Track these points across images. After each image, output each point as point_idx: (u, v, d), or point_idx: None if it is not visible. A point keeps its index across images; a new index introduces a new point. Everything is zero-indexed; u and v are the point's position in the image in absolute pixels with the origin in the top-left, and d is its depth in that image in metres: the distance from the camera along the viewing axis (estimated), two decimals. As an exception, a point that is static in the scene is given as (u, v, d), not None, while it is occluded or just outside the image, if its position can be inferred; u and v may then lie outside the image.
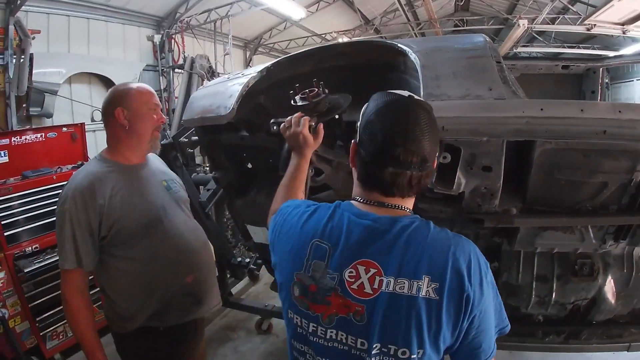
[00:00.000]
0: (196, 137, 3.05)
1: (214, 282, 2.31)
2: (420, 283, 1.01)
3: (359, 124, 1.16)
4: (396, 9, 14.36)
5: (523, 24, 9.84)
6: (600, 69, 3.68)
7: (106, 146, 1.99)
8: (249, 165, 2.70)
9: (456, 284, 1.02)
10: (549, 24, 11.49)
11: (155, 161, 2.16)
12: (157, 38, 9.63)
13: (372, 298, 1.03)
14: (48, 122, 7.10)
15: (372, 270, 1.04)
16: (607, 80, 3.99)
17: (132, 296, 1.94)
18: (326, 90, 1.78)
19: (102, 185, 1.82)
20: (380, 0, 14.83)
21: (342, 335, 1.07)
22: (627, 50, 11.13)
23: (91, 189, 1.79)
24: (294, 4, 9.95)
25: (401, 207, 1.13)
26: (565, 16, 11.32)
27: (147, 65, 9.48)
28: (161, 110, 2.02)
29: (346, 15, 15.98)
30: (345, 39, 14.25)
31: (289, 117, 1.77)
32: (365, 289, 1.04)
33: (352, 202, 1.17)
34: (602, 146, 1.78)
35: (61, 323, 3.63)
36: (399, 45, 2.14)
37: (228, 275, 4.10)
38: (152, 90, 2.02)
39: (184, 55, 9.47)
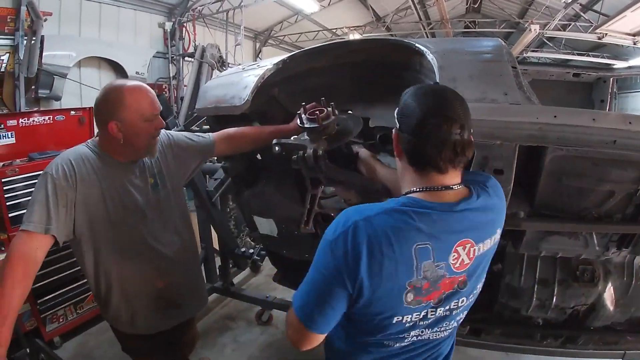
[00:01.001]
0: (207, 127, 3.06)
1: (196, 285, 2.28)
2: (496, 235, 1.26)
3: (396, 114, 1.23)
4: (408, 7, 14.32)
5: (535, 29, 9.84)
6: (611, 79, 3.69)
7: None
8: (259, 157, 2.72)
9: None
10: (560, 30, 11.47)
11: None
12: (168, 25, 9.64)
13: (470, 265, 1.19)
14: (56, 105, 7.13)
15: (467, 245, 1.17)
16: (615, 90, 4.00)
17: (104, 286, 1.91)
18: (335, 112, 1.74)
19: (85, 168, 1.76)
20: (393, -2, 14.78)
21: (449, 305, 1.23)
22: (637, 61, 11.11)
23: (76, 164, 1.75)
24: (307, -3, 9.92)
25: (455, 185, 1.20)
26: (577, 23, 11.30)
27: (157, 52, 9.50)
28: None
29: (358, 11, 15.95)
30: (357, 35, 14.25)
31: (292, 138, 1.76)
32: (465, 261, 1.18)
33: (415, 195, 1.19)
34: (611, 156, 1.80)
35: (62, 306, 3.67)
36: (417, 45, 2.14)
37: (230, 265, 4.14)
38: (151, 92, 1.85)
39: (195, 44, 9.45)
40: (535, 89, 2.52)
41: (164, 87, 9.45)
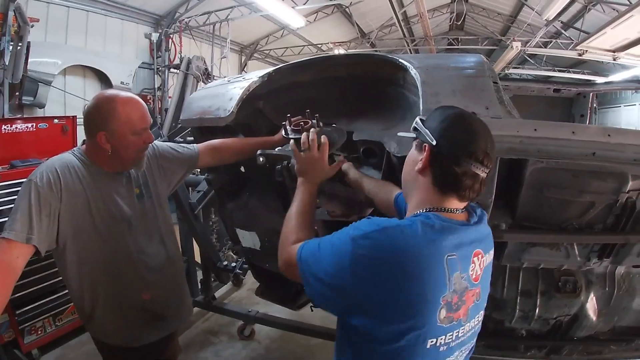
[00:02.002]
0: (191, 138, 3.05)
1: (181, 298, 2.24)
2: (490, 253, 1.29)
3: (424, 131, 1.22)
4: (393, 24, 14.52)
5: (516, 46, 10.04)
6: (591, 94, 3.77)
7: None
8: (242, 169, 2.72)
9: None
10: (542, 47, 11.71)
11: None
12: (154, 36, 9.63)
13: (481, 276, 1.21)
14: (40, 113, 7.05)
15: (479, 256, 1.20)
16: (595, 105, 4.10)
17: (89, 296, 1.86)
18: (320, 124, 1.75)
19: (70, 176, 1.73)
20: (378, 15, 14.98)
21: (473, 320, 1.22)
22: (616, 77, 11.38)
23: (61, 173, 1.70)
24: (294, 12, 10.01)
25: (463, 209, 1.25)
26: (558, 40, 11.56)
27: (142, 62, 9.46)
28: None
29: (343, 27, 16.12)
30: (341, 50, 14.37)
31: (277, 149, 1.75)
32: (478, 272, 1.20)
33: (437, 213, 1.18)
34: (591, 167, 1.84)
35: (41, 318, 3.60)
36: (400, 60, 2.17)
37: (212, 279, 4.10)
38: (143, 105, 1.85)
39: (180, 56, 9.46)
40: (517, 104, 2.56)
41: (148, 97, 9.39)
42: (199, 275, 4.12)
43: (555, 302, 2.31)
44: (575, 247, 2.16)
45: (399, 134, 1.51)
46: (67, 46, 7.88)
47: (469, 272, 1.16)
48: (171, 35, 9.79)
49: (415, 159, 1.27)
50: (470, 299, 1.17)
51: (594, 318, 2.35)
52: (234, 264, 3.92)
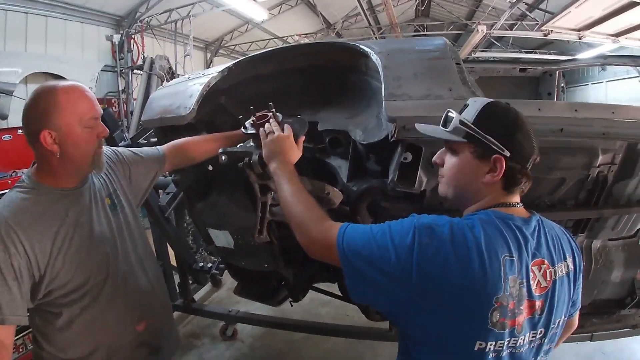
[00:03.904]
0: (155, 139, 2.96)
1: (171, 324, 2.02)
2: (567, 261, 1.21)
3: (490, 140, 1.17)
4: (358, 14, 14.53)
5: (482, 29, 10.11)
6: (557, 72, 3.79)
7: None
8: (210, 167, 2.65)
9: (577, 252, 1.29)
10: (508, 29, 11.83)
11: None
12: (116, 38, 9.39)
13: (549, 289, 1.14)
14: (3, 124, 6.82)
15: (543, 266, 1.13)
16: (562, 84, 4.15)
17: (73, 349, 1.54)
18: (279, 115, 1.68)
19: (25, 222, 1.39)
20: (342, 5, 14.98)
21: (528, 334, 1.13)
22: (583, 55, 11.60)
23: (14, 227, 1.36)
24: (256, 5, 9.89)
25: (520, 203, 1.25)
26: (523, 22, 11.69)
27: (105, 65, 9.23)
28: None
29: (308, 19, 16.07)
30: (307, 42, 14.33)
31: (238, 145, 1.70)
32: (542, 284, 1.13)
33: (498, 210, 1.18)
34: (559, 144, 1.83)
35: (20, 335, 3.43)
36: (361, 46, 2.13)
37: (190, 282, 4.01)
38: (89, 92, 1.52)
39: (144, 56, 9.26)
40: (483, 86, 2.55)
41: (113, 101, 9.18)
42: (176, 279, 4.03)
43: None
44: (549, 225, 2.15)
45: (420, 128, 1.43)
46: (27, 53, 7.65)
47: (529, 280, 1.10)
48: (133, 36, 9.57)
49: (474, 167, 1.21)
50: (529, 309, 1.11)
51: (575, 292, 2.36)
52: (209, 265, 3.84)
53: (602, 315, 2.54)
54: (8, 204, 1.42)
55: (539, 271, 1.12)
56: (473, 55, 12.43)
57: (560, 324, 1.21)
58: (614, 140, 1.90)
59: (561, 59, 4.10)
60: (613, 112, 1.89)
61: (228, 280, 4.80)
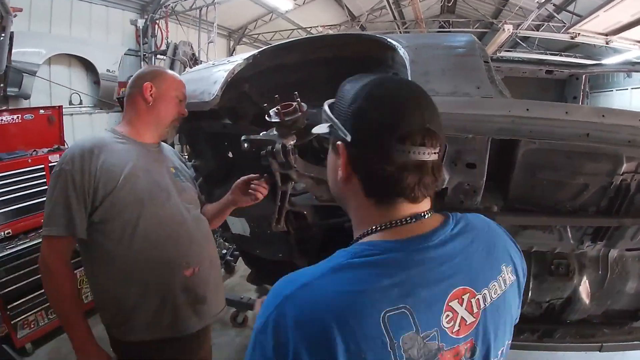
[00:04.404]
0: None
1: (219, 282, 2.03)
2: (504, 274, 0.88)
3: (334, 122, 0.87)
4: (383, 7, 14.38)
5: (508, 29, 9.96)
6: (583, 76, 3.73)
7: (120, 123, 1.84)
8: (230, 155, 2.66)
9: (519, 257, 0.94)
10: (534, 30, 11.65)
11: (169, 150, 1.99)
12: (140, 22, 9.43)
13: (477, 323, 0.81)
14: (25, 104, 6.91)
15: (465, 297, 0.80)
16: (587, 89, 4.08)
17: (124, 285, 1.68)
18: (303, 105, 1.68)
19: (105, 151, 1.65)
20: (368, -3, 14.84)
21: None
22: (609, 61, 11.36)
23: (91, 151, 1.61)
24: (281, -6, 9.86)
25: (427, 212, 0.85)
26: (550, 24, 11.50)
27: (129, 49, 9.29)
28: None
29: (333, 10, 15.96)
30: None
31: (262, 133, 1.70)
32: (467, 321, 0.79)
33: (372, 238, 0.83)
34: (584, 149, 1.81)
35: (33, 312, 3.55)
36: (388, 39, 2.12)
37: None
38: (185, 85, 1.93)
39: (167, 42, 9.29)
40: (509, 86, 2.53)
41: (136, 85, 9.26)
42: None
43: (548, 286, 2.30)
44: (569, 229, 2.13)
45: (313, 130, 0.99)
46: (52, 35, 7.69)
47: (442, 326, 0.76)
48: (157, 21, 9.60)
49: (334, 165, 0.89)
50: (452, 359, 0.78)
51: (587, 301, 2.34)
52: (224, 251, 3.87)
53: (614, 326, 2.49)
54: (91, 139, 1.72)
55: (460, 305, 0.79)
56: (498, 54, 12.28)
57: (505, 351, 0.89)
58: (639, 148, 1.86)
59: (588, 63, 4.04)
60: (640, 120, 1.85)
61: (241, 268, 4.83)
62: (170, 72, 1.90)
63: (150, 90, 1.76)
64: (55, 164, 1.84)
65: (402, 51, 2.00)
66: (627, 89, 15.71)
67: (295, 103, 1.67)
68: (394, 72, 2.22)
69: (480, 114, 1.71)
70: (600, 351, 2.66)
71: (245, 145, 1.76)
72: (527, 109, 1.73)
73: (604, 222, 2.10)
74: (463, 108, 1.71)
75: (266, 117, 1.72)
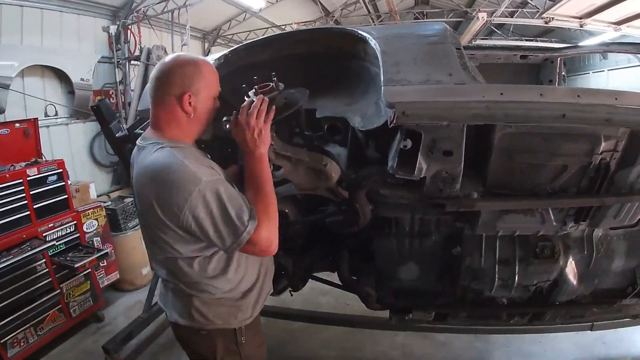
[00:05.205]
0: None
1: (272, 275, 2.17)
2: None
3: None
4: (357, 1, 14.40)
5: (482, 17, 10.02)
6: (558, 59, 3.74)
7: (152, 129, 1.71)
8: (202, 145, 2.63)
9: None
10: (508, 17, 11.74)
11: None
12: (112, 29, 9.26)
13: None
14: (0, 118, 6.78)
15: None
16: (564, 72, 4.10)
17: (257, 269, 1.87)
18: (280, 85, 1.71)
19: (200, 158, 1.62)
20: (342, -8, 14.85)
21: None
22: (584, 44, 11.50)
23: (197, 158, 1.60)
24: (253, -7, 9.78)
25: None
26: (524, 10, 11.60)
27: (102, 57, 9.11)
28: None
29: (306, 7, 15.92)
30: (305, 30, 14.19)
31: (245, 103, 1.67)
32: None
33: None
34: (561, 130, 1.80)
35: (21, 329, 3.51)
36: (359, 32, 2.11)
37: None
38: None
39: (140, 47, 9.16)
40: (484, 73, 2.53)
41: (110, 92, 9.08)
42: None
43: (534, 269, 2.30)
44: (551, 212, 2.13)
45: None
46: (23, 46, 7.53)
47: None
48: (129, 27, 9.45)
49: None
50: None
51: (575, 282, 2.35)
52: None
53: (602, 305, 2.51)
54: (173, 154, 1.56)
55: None
56: (473, 42, 12.36)
57: None
58: (617, 127, 1.85)
59: (562, 47, 4.05)
60: (616, 99, 1.83)
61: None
62: (205, 66, 1.68)
63: (189, 101, 1.62)
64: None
65: (372, 42, 1.98)
66: (603, 71, 15.93)
67: (273, 82, 1.70)
68: (366, 64, 2.19)
69: (453, 100, 1.69)
70: (591, 330, 2.69)
71: (227, 126, 1.72)
72: (501, 93, 1.71)
73: (585, 202, 2.10)
74: (436, 96, 1.69)
75: (245, 98, 1.71)
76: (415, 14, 16.92)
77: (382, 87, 1.77)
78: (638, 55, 6.56)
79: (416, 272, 2.42)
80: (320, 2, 15.16)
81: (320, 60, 2.35)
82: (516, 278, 2.29)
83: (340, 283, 2.77)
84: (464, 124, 1.70)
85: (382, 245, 2.41)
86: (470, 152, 1.79)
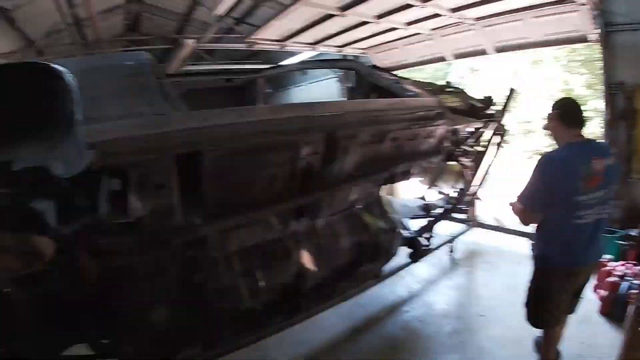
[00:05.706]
0: None
1: None
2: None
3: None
4: (64, 29, 13.04)
5: (189, 43, 10.27)
6: (259, 79, 4.14)
7: None
8: None
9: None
10: (215, 42, 12.34)
11: None
12: None
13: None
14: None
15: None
16: (270, 90, 4.53)
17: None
18: None
19: None
20: (45, 19, 13.15)
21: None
22: (286, 62, 12.91)
23: None
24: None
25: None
26: (231, 35, 12.38)
27: None
28: None
29: (5, 36, 13.60)
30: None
31: None
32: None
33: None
34: (265, 144, 1.99)
35: None
36: (52, 65, 1.83)
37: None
38: None
39: None
40: (193, 98, 2.59)
41: None
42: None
43: (274, 271, 2.46)
44: (272, 217, 2.35)
45: None
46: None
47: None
48: None
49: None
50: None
51: (315, 268, 2.61)
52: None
53: (346, 278, 2.87)
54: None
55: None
56: (183, 68, 12.52)
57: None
58: (314, 132, 2.16)
59: (264, 67, 4.49)
60: (311, 109, 2.15)
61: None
62: None
63: None
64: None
65: (67, 77, 1.75)
66: (302, 85, 18.21)
67: None
68: (65, 102, 1.94)
69: (157, 132, 1.66)
70: (345, 301, 3.01)
71: None
72: (204, 119, 1.78)
73: (301, 201, 2.37)
74: (138, 130, 1.63)
75: None
76: (125, 42, 16.27)
77: (79, 127, 1.62)
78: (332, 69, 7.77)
79: (167, 312, 2.18)
80: (22, 30, 13.05)
81: (14, 100, 1.99)
82: (261, 283, 2.39)
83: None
84: (172, 153, 1.68)
85: (122, 297, 2.11)
86: (185, 180, 1.78)
